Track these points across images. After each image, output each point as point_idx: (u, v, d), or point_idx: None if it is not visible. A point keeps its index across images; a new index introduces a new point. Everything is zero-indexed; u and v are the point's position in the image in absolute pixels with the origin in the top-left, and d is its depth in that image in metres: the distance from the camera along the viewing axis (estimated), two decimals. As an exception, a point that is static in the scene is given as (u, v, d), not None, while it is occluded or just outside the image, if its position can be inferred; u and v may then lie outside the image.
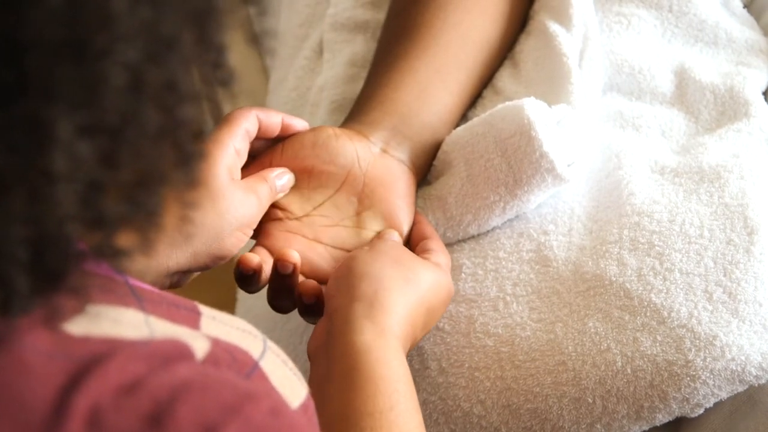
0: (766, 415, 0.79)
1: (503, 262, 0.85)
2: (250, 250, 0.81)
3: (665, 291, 0.80)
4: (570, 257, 0.83)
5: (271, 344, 0.57)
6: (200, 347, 0.52)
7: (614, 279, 0.81)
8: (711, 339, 0.77)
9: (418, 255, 0.81)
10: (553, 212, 0.86)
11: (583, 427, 0.79)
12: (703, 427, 0.80)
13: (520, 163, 0.83)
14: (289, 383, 0.56)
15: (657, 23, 0.97)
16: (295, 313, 0.81)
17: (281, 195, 0.82)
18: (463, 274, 0.85)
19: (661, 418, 0.79)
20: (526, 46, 0.94)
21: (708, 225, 0.82)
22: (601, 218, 0.85)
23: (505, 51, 0.95)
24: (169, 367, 0.49)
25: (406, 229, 0.84)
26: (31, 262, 0.45)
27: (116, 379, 0.47)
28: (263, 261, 0.79)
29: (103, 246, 0.48)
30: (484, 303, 0.83)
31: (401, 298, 0.75)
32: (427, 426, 0.80)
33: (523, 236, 0.85)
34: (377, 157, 0.85)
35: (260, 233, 0.82)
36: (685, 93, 0.93)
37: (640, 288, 0.80)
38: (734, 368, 0.77)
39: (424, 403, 0.81)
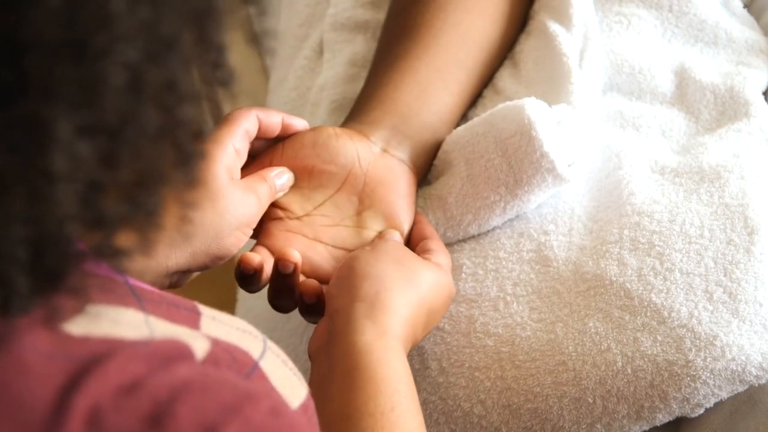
0: (767, 415, 0.79)
1: (503, 262, 0.85)
2: (251, 250, 0.81)
3: (665, 291, 0.80)
4: (570, 257, 0.83)
5: (271, 344, 0.57)
6: (200, 347, 0.52)
7: (614, 279, 0.81)
8: (711, 339, 0.77)
9: (418, 255, 0.81)
10: (554, 212, 0.86)
11: (583, 427, 0.79)
12: (704, 427, 0.80)
13: (520, 162, 0.83)
14: (289, 383, 0.56)
15: (657, 23, 0.97)
16: (296, 313, 0.81)
17: (281, 194, 0.82)
18: (463, 274, 0.85)
19: (662, 418, 0.79)
20: (527, 46, 0.94)
21: (708, 225, 0.82)
22: (601, 218, 0.85)
23: (505, 51, 0.95)
24: (169, 368, 0.49)
25: (406, 228, 0.84)
26: (31, 262, 0.45)
27: (116, 379, 0.47)
28: (264, 260, 0.79)
29: (103, 246, 0.48)
30: (484, 303, 0.83)
31: (402, 299, 0.75)
32: (427, 426, 0.80)
33: (524, 236, 0.85)
34: (378, 157, 0.85)
35: (261, 233, 0.82)
36: (685, 93, 0.93)
37: (641, 288, 0.80)
38: (734, 368, 0.77)
39: (424, 403, 0.81)
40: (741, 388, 0.78)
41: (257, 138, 0.82)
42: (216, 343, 0.53)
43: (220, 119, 0.73)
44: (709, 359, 0.77)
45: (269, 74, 1.14)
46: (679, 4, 0.97)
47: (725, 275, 0.80)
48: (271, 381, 0.55)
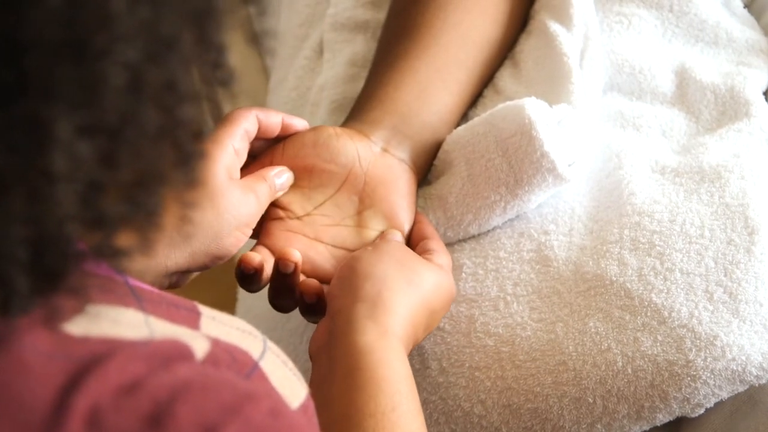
0: (767, 415, 0.79)
1: (504, 262, 0.85)
2: (251, 250, 0.81)
3: (666, 291, 0.80)
4: (571, 257, 0.83)
5: (271, 344, 0.57)
6: (200, 347, 0.52)
7: (615, 279, 0.81)
8: (712, 339, 0.77)
9: (418, 255, 0.81)
10: (554, 212, 0.86)
11: (583, 427, 0.79)
12: (704, 427, 0.80)
13: (520, 162, 0.83)
14: (289, 383, 0.56)
15: (658, 23, 0.97)
16: (296, 312, 0.81)
17: (280, 193, 0.82)
18: (463, 274, 0.85)
19: (662, 418, 0.79)
20: (527, 46, 0.94)
21: (709, 225, 0.82)
22: (601, 218, 0.85)
23: (505, 51, 0.95)
24: (169, 368, 0.49)
25: (407, 228, 0.84)
26: (31, 262, 0.45)
27: (116, 379, 0.47)
28: (264, 260, 0.79)
29: (103, 246, 0.48)
30: (484, 303, 0.83)
31: (404, 299, 0.75)
32: (427, 426, 0.80)
33: (524, 236, 0.85)
34: (378, 157, 0.85)
35: (261, 232, 0.83)
36: (685, 93, 0.93)
37: (641, 288, 0.80)
38: (735, 368, 0.77)
39: (424, 403, 0.81)
40: (741, 388, 0.78)
41: (257, 138, 0.82)
42: (216, 344, 0.53)
43: (220, 119, 0.73)
44: (709, 359, 0.77)
45: (269, 74, 1.14)
46: (680, 4, 0.97)
47: (725, 275, 0.80)
48: (271, 381, 0.55)
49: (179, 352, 0.50)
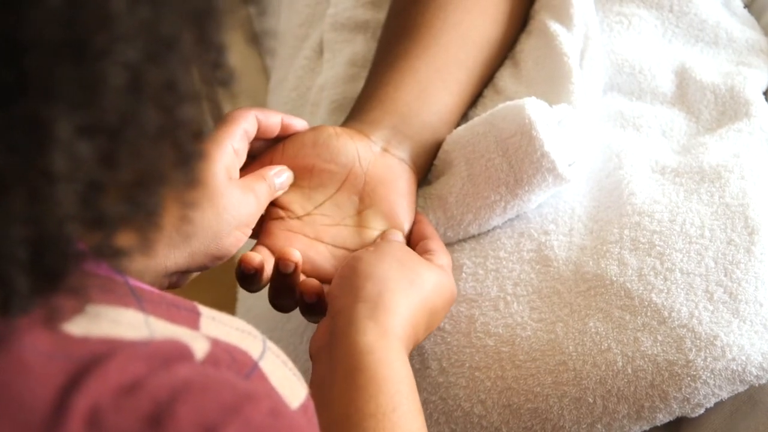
0: (767, 415, 0.79)
1: (504, 262, 0.85)
2: (252, 250, 0.81)
3: (666, 291, 0.80)
4: (571, 257, 0.83)
5: (270, 345, 0.57)
6: (200, 348, 0.52)
7: (615, 279, 0.81)
8: (712, 339, 0.77)
9: (418, 255, 0.81)
10: (554, 212, 0.86)
11: (583, 427, 0.79)
12: (704, 427, 0.80)
13: (521, 162, 0.83)
14: (289, 384, 0.56)
15: (658, 23, 0.97)
16: (296, 312, 0.81)
17: (280, 192, 0.82)
18: (463, 274, 0.85)
19: (662, 418, 0.79)
20: (527, 46, 0.94)
21: (709, 225, 0.82)
22: (601, 218, 0.85)
23: (505, 51, 0.95)
24: (169, 368, 0.49)
25: (407, 227, 0.84)
26: (31, 262, 0.45)
27: (116, 379, 0.47)
28: (265, 260, 0.79)
29: (103, 246, 0.48)
30: (484, 303, 0.83)
31: (405, 300, 0.75)
32: (427, 426, 0.80)
33: (524, 236, 0.85)
34: (378, 156, 0.85)
35: (261, 232, 0.83)
36: (685, 93, 0.93)
37: (641, 288, 0.80)
38: (735, 368, 0.77)
39: (424, 403, 0.81)
40: (741, 388, 0.78)
41: (257, 138, 0.82)
42: (216, 344, 0.53)
43: (220, 119, 0.73)
44: (709, 359, 0.77)
45: (269, 74, 1.14)
46: (680, 4, 0.97)
47: (726, 275, 0.80)
48: (270, 381, 0.55)
49: (179, 353, 0.50)
